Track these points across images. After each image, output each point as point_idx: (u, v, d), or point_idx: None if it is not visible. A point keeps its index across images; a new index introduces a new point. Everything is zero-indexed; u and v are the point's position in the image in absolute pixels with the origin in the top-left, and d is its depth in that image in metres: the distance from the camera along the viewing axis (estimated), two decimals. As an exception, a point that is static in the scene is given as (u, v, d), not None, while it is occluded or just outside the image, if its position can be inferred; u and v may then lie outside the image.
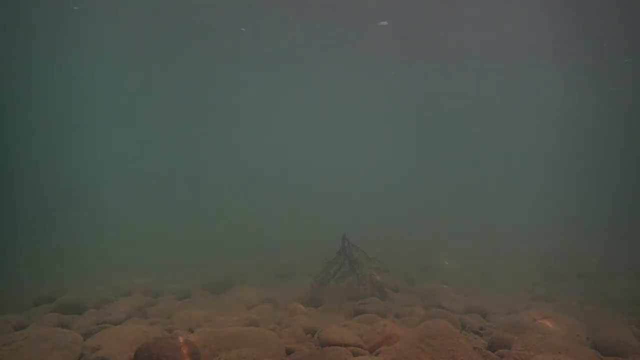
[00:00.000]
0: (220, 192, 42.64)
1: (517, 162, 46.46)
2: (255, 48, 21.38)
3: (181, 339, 4.47)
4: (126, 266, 12.67)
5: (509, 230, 20.77)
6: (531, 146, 40.71)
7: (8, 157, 32.37)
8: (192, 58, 22.88)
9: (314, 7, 17.04)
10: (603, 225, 21.47)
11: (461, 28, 18.34)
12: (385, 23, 16.90)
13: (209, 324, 6.48)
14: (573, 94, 25.71)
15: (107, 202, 35.50)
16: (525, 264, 12.43)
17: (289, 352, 4.94)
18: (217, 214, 29.60)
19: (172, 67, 24.60)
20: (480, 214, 29.70)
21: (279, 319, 6.62)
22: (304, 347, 5.09)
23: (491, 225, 23.74)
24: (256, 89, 28.37)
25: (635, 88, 23.66)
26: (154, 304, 8.10)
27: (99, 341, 5.27)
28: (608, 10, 15.48)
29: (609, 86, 23.74)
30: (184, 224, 24.94)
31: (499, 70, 23.22)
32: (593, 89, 24.82)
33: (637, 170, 33.88)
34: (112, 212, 30.05)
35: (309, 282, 8.96)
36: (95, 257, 14.94)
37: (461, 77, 24.98)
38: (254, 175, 48.80)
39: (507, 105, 29.89)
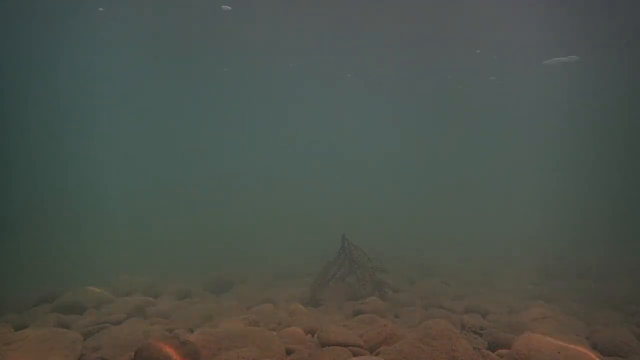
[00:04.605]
0: (221, 194, 42.65)
1: (517, 162, 46.50)
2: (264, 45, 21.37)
3: (181, 339, 4.47)
4: (126, 266, 12.67)
5: (509, 231, 20.76)
6: (532, 146, 40.74)
7: (8, 157, 32.39)
8: (201, 54, 22.79)
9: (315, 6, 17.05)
10: (603, 225, 21.48)
11: (461, 26, 18.32)
12: (228, 8, 16.59)
13: (209, 324, 6.49)
14: (575, 93, 25.74)
15: (108, 203, 35.49)
16: (525, 264, 12.43)
17: (289, 352, 4.93)
18: (218, 216, 29.59)
19: (176, 66, 24.58)
20: (480, 215, 29.71)
21: (279, 319, 6.62)
22: (304, 347, 5.08)
23: (492, 225, 23.74)
24: (262, 83, 28.20)
25: (635, 89, 23.72)
26: (154, 304, 8.10)
27: (99, 341, 5.27)
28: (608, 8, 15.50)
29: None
30: (185, 225, 24.93)
31: (499, 69, 23.24)
32: (594, 89, 24.86)
33: (637, 170, 33.90)
34: (113, 213, 30.04)
35: (309, 282, 8.96)
36: (95, 258, 14.94)
37: (461, 77, 24.99)
38: (257, 176, 48.89)
39: (507, 105, 29.91)
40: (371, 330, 5.31)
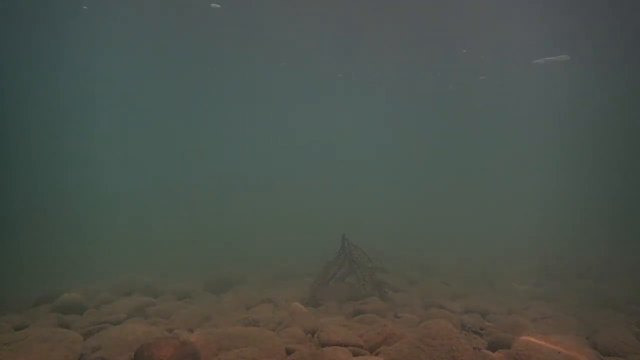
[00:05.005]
0: (221, 194, 42.65)
1: (517, 161, 46.49)
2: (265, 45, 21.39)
3: (181, 339, 4.47)
4: (126, 266, 12.67)
5: (509, 231, 20.76)
6: (532, 146, 40.74)
7: (8, 157, 32.38)
8: (203, 55, 22.81)
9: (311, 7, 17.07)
10: (603, 225, 21.47)
11: (460, 26, 18.32)
12: (217, 5, 16.19)
13: (209, 324, 6.49)
14: (575, 93, 25.75)
15: (108, 203, 35.49)
16: (525, 264, 12.43)
17: (289, 352, 4.94)
18: (218, 216, 29.60)
19: (176, 66, 24.58)
20: (480, 215, 29.69)
21: (279, 319, 6.62)
22: (304, 347, 5.09)
23: (492, 225, 23.72)
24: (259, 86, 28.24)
25: (635, 89, 23.72)
26: (154, 304, 8.10)
27: (99, 341, 5.27)
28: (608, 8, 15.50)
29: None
30: (185, 225, 24.93)
31: (499, 69, 23.23)
32: (594, 89, 24.86)
33: (637, 170, 33.89)
34: (113, 213, 30.04)
35: (309, 282, 8.96)
36: (95, 258, 14.94)
37: (459, 76, 24.98)
38: (259, 176, 48.91)
39: (507, 105, 29.90)
40: (371, 330, 5.31)
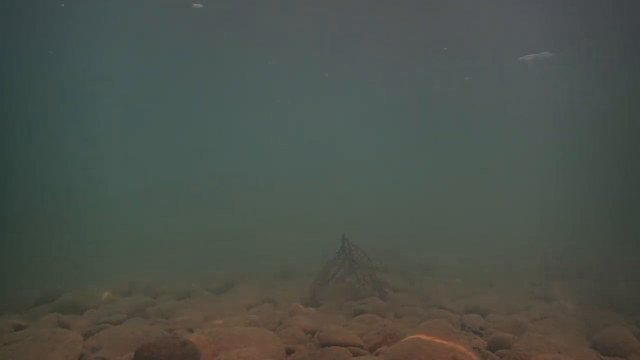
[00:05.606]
0: (222, 194, 42.66)
1: (517, 162, 46.47)
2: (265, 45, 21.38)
3: (181, 339, 4.47)
4: (126, 266, 12.67)
5: (509, 231, 20.75)
6: (531, 145, 40.73)
7: (8, 156, 32.39)
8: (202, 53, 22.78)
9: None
10: (603, 225, 21.46)
11: (459, 25, 18.30)
12: (199, 5, 15.73)
13: (209, 324, 6.49)
14: (575, 93, 25.74)
15: (108, 203, 35.49)
16: (525, 264, 12.43)
17: (289, 352, 4.94)
18: (218, 216, 29.59)
19: (176, 66, 24.57)
20: (480, 215, 29.69)
21: (279, 319, 6.62)
22: (304, 347, 5.08)
23: (492, 225, 23.73)
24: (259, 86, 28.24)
25: (635, 89, 23.71)
26: (154, 304, 8.10)
27: (99, 341, 5.27)
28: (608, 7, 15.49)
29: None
30: (185, 225, 24.94)
31: (499, 69, 23.21)
32: (593, 88, 24.85)
33: (637, 170, 33.88)
34: (113, 213, 30.05)
35: (309, 282, 8.96)
36: (95, 258, 14.94)
37: (457, 76, 24.96)
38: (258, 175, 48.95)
39: (507, 105, 29.89)
40: (371, 330, 5.31)
